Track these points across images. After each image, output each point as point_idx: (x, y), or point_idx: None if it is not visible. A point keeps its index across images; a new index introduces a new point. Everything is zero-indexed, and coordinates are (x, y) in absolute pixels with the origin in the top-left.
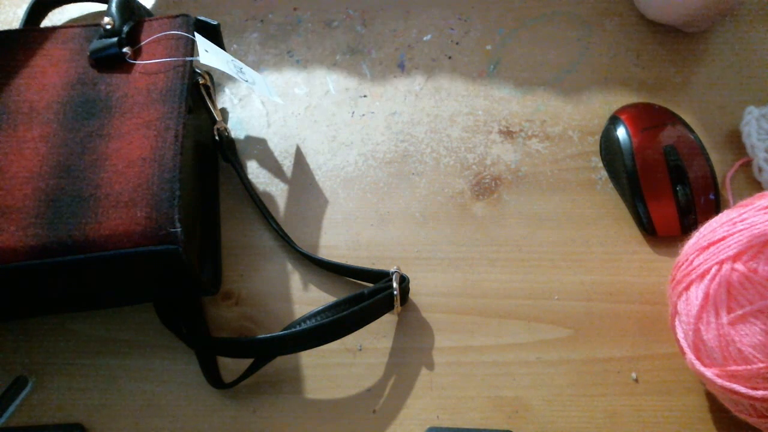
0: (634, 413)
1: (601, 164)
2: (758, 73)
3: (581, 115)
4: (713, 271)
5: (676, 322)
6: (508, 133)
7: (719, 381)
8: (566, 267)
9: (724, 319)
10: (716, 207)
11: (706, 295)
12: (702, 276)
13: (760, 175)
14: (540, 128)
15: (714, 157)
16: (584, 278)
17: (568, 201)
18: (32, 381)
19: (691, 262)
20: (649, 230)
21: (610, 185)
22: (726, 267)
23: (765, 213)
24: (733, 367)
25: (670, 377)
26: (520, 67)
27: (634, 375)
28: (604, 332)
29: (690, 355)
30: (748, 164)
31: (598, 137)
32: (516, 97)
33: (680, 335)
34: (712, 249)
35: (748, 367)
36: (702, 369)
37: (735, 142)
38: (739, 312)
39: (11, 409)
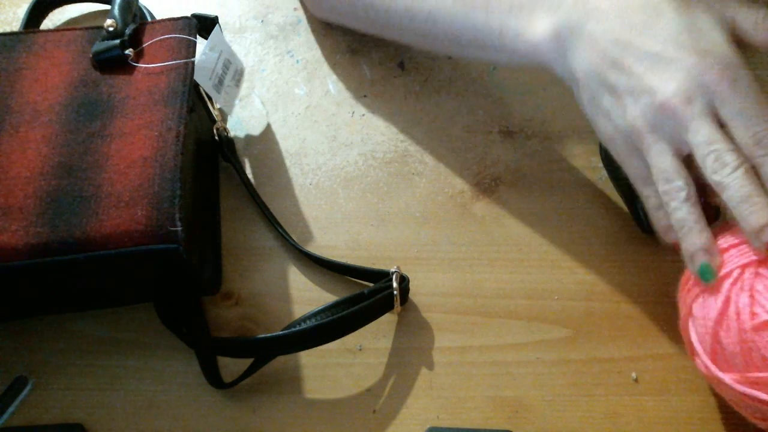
0: (634, 413)
1: (601, 164)
2: (758, 73)
3: (581, 115)
4: (735, 274)
5: (690, 325)
6: (508, 133)
7: (739, 387)
8: (566, 267)
9: (747, 324)
10: (716, 208)
11: (727, 299)
12: (722, 279)
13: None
14: (540, 128)
15: None
16: (584, 278)
17: (569, 201)
18: (32, 381)
19: None
20: (648, 230)
21: (610, 185)
22: (749, 271)
23: None
24: (756, 374)
25: (670, 377)
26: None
27: (634, 375)
28: (604, 332)
29: (705, 359)
30: None
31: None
32: (516, 97)
33: (695, 338)
34: (733, 251)
35: None
36: (720, 374)
37: None
38: (764, 318)
39: (11, 409)
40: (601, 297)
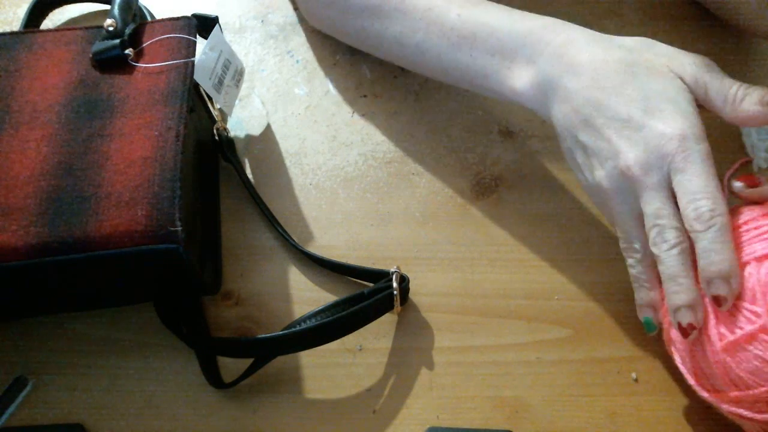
0: (634, 413)
1: None
2: (758, 73)
3: None
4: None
5: (672, 349)
6: (508, 133)
7: (724, 406)
8: (566, 267)
9: (718, 346)
10: None
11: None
12: None
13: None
14: (540, 128)
15: (714, 157)
16: (584, 278)
17: (568, 201)
18: (32, 381)
19: None
20: None
21: None
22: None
23: (738, 234)
24: (735, 393)
25: (670, 377)
26: None
27: (634, 375)
28: (604, 332)
29: (691, 381)
30: (747, 164)
31: None
32: None
33: (678, 361)
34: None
35: (750, 392)
36: (705, 395)
37: (735, 142)
38: (731, 338)
39: (11, 409)
40: (601, 297)
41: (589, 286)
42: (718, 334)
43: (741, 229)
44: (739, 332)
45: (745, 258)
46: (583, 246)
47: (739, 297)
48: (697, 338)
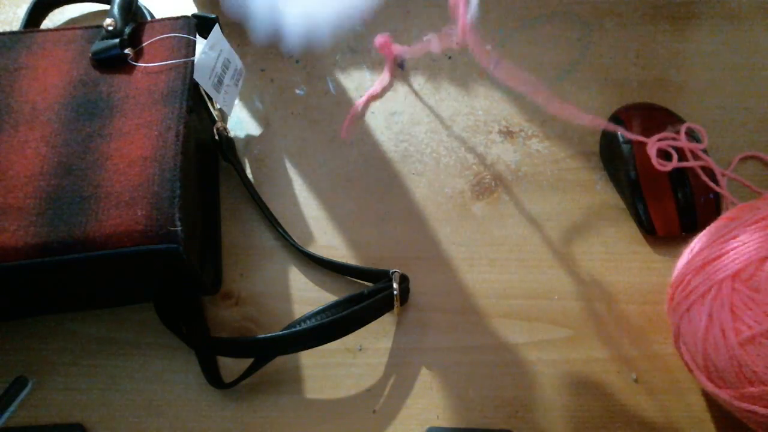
0: (634, 413)
1: (601, 164)
2: (758, 72)
3: None
4: (713, 291)
5: (681, 344)
6: (508, 133)
7: (736, 403)
8: (566, 267)
9: (733, 340)
10: (716, 207)
11: (710, 317)
12: (702, 297)
13: None
14: (540, 128)
15: (714, 157)
16: (584, 278)
17: (568, 201)
18: (32, 381)
19: (689, 282)
20: (649, 230)
21: (610, 185)
22: (726, 287)
23: (756, 229)
24: (750, 389)
25: (670, 377)
26: (520, 67)
27: (634, 375)
28: (604, 332)
29: (701, 377)
30: (747, 159)
31: (598, 137)
32: (516, 97)
33: (687, 357)
34: (708, 269)
35: (766, 388)
36: (716, 391)
37: (735, 142)
38: (748, 333)
39: (11, 409)
40: (601, 297)
41: (589, 286)
42: (734, 329)
43: (761, 223)
44: (757, 327)
45: (765, 252)
46: (584, 246)
47: (756, 291)
48: (711, 333)
